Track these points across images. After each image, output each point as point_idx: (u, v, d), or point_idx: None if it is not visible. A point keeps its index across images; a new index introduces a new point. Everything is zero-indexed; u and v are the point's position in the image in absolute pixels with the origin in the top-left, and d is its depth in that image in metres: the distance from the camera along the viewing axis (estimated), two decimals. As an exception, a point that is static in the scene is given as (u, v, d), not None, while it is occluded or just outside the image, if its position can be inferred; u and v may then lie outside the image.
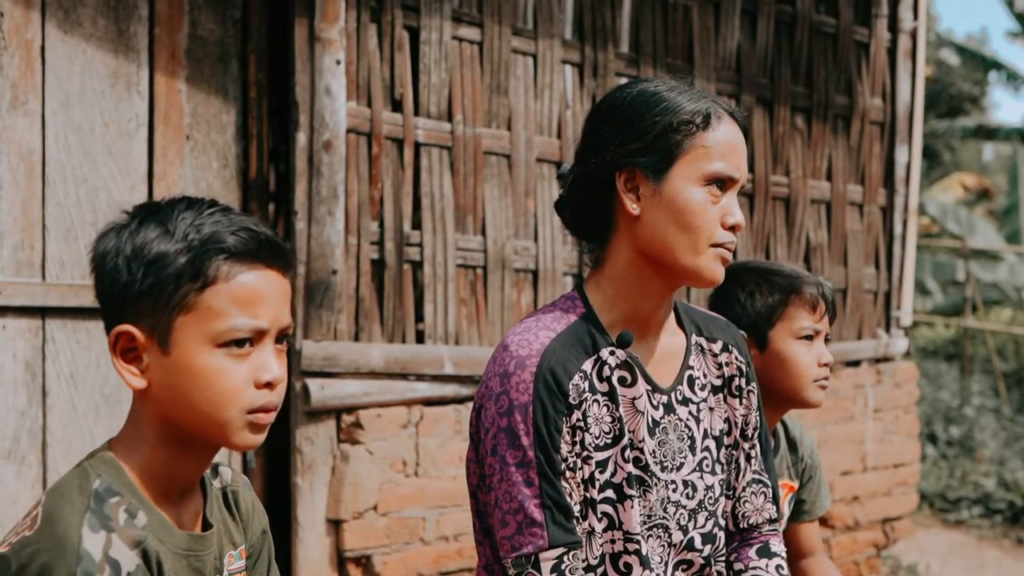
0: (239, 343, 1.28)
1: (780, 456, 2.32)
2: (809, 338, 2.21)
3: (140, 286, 1.26)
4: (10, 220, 3.02)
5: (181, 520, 1.36)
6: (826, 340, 2.25)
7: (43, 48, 3.06)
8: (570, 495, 1.59)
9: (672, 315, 1.75)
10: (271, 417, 1.32)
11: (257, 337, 1.29)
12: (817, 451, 2.45)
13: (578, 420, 1.60)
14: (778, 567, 1.81)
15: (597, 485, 1.62)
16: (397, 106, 3.58)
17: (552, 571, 1.56)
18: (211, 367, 1.26)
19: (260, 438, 1.32)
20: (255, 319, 1.28)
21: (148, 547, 1.25)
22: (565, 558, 1.57)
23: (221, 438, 1.30)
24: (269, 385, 1.30)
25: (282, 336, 1.33)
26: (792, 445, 2.37)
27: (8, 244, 3.01)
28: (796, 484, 2.37)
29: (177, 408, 1.29)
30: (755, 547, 1.82)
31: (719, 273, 1.62)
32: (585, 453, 1.61)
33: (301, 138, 3.37)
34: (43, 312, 3.06)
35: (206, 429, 1.29)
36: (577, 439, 1.60)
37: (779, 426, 2.34)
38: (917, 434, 5.41)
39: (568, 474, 1.59)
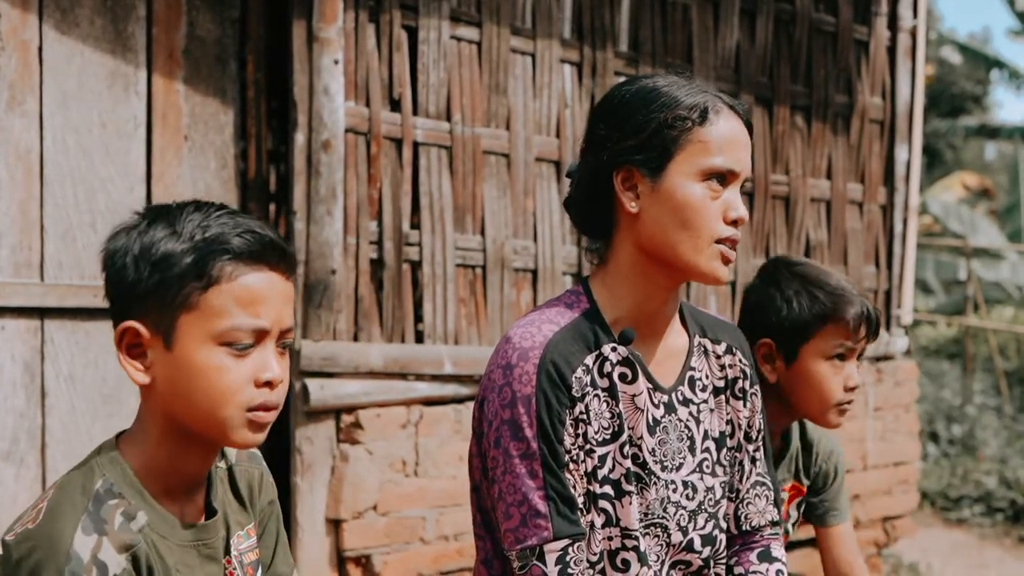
0: (240, 342, 1.31)
1: (790, 456, 2.22)
2: (841, 357, 2.06)
3: (146, 284, 1.30)
4: (8, 221, 3.01)
5: (185, 512, 1.40)
6: (859, 355, 2.11)
7: (40, 48, 3.06)
8: (574, 487, 1.59)
9: (677, 316, 1.74)
10: (271, 416, 1.35)
11: (258, 337, 1.33)
12: (841, 460, 2.29)
13: (580, 413, 1.60)
14: (778, 572, 1.80)
15: (598, 479, 1.61)
16: (396, 106, 3.58)
17: (557, 563, 1.55)
18: (212, 365, 1.30)
19: (260, 437, 1.36)
20: (256, 319, 1.31)
21: (139, 552, 1.29)
22: (570, 550, 1.56)
23: (221, 435, 1.34)
24: (269, 384, 1.33)
25: (284, 338, 1.36)
26: (807, 447, 2.26)
27: (6, 245, 3.01)
28: (805, 487, 2.26)
29: (178, 404, 1.32)
30: (756, 551, 1.81)
31: (721, 272, 1.60)
32: (588, 446, 1.60)
33: (299, 138, 3.37)
34: (42, 313, 3.06)
35: (206, 426, 1.33)
36: (580, 432, 1.60)
37: (795, 426, 2.22)
38: (917, 432, 5.40)
39: (572, 466, 1.59)
